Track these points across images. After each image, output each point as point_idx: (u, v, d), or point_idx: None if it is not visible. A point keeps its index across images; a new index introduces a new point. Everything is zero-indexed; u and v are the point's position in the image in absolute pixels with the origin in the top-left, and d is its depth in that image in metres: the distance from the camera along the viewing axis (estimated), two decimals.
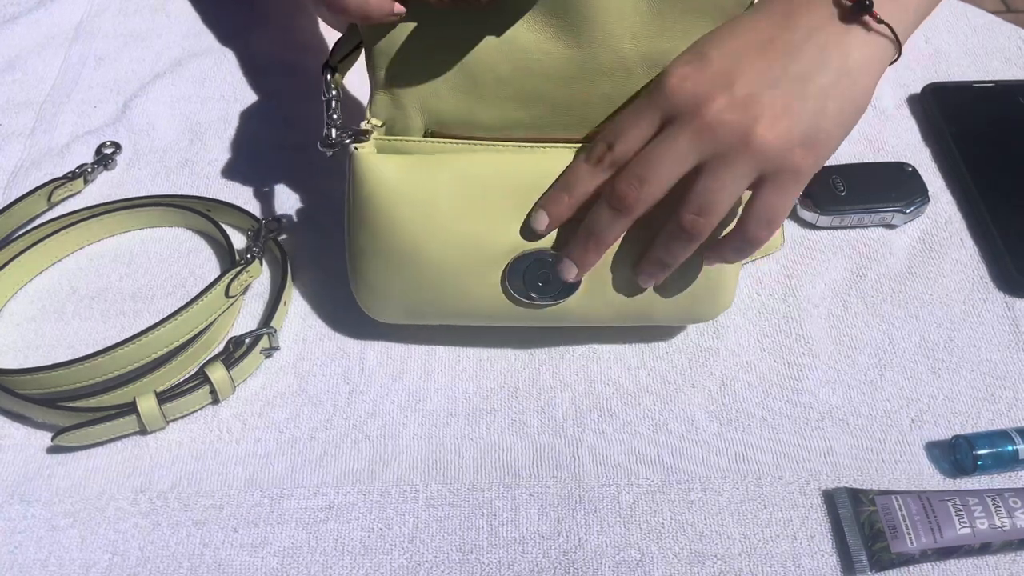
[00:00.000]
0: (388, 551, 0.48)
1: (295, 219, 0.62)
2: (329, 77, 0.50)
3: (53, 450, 0.52)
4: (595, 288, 0.51)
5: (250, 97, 0.71)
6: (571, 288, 0.50)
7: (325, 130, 0.50)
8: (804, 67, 0.43)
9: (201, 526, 0.49)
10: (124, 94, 0.72)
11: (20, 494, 0.50)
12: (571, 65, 0.47)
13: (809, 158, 0.44)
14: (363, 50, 0.49)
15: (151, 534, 0.49)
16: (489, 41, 0.47)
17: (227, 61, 0.74)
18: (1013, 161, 0.64)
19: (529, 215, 0.49)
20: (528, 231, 0.49)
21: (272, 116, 0.70)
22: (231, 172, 0.66)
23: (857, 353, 0.56)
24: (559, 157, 0.48)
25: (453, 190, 0.49)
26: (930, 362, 0.55)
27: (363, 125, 0.50)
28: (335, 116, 0.50)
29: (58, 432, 0.51)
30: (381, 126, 0.50)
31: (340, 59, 0.50)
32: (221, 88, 0.72)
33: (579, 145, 0.49)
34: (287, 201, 0.64)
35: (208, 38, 0.76)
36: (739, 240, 0.46)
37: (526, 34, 0.47)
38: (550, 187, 0.49)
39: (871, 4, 0.43)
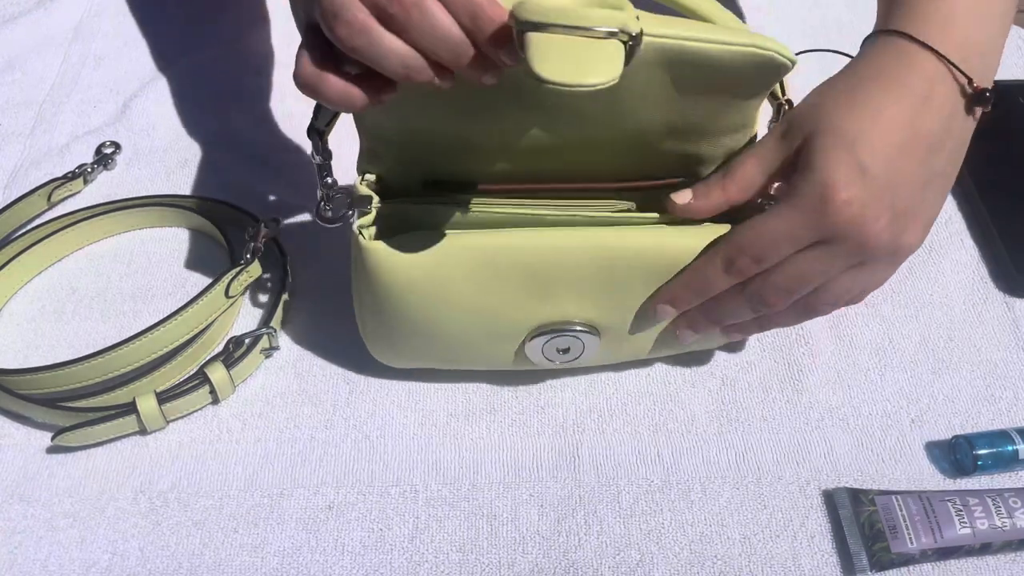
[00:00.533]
0: (388, 551, 0.48)
1: (295, 219, 0.62)
2: (318, 141, 0.45)
3: (53, 450, 0.52)
4: (614, 344, 0.50)
5: (250, 97, 0.71)
6: (591, 351, 0.50)
7: (320, 194, 0.47)
8: (944, 162, 0.44)
9: (201, 526, 0.49)
10: (124, 94, 0.72)
11: (20, 494, 0.50)
12: (586, 135, 0.45)
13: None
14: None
15: (151, 534, 0.49)
16: (495, 115, 0.43)
17: (227, 61, 0.74)
18: (1013, 161, 0.64)
19: (655, 307, 0.48)
20: (557, 310, 0.48)
21: (272, 116, 0.70)
22: (231, 172, 0.66)
23: (857, 353, 0.56)
24: (575, 236, 0.46)
25: (466, 276, 0.46)
26: (930, 362, 0.55)
27: (358, 185, 0.47)
28: (329, 180, 0.47)
29: (58, 432, 0.51)
30: (377, 180, 0.47)
31: (327, 122, 0.45)
32: (221, 88, 0.72)
33: (594, 206, 0.47)
34: (287, 201, 0.64)
35: (208, 38, 0.76)
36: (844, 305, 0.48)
37: (537, 112, 0.43)
38: (675, 281, 0.47)
39: (991, 98, 0.44)
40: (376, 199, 0.46)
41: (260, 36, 0.76)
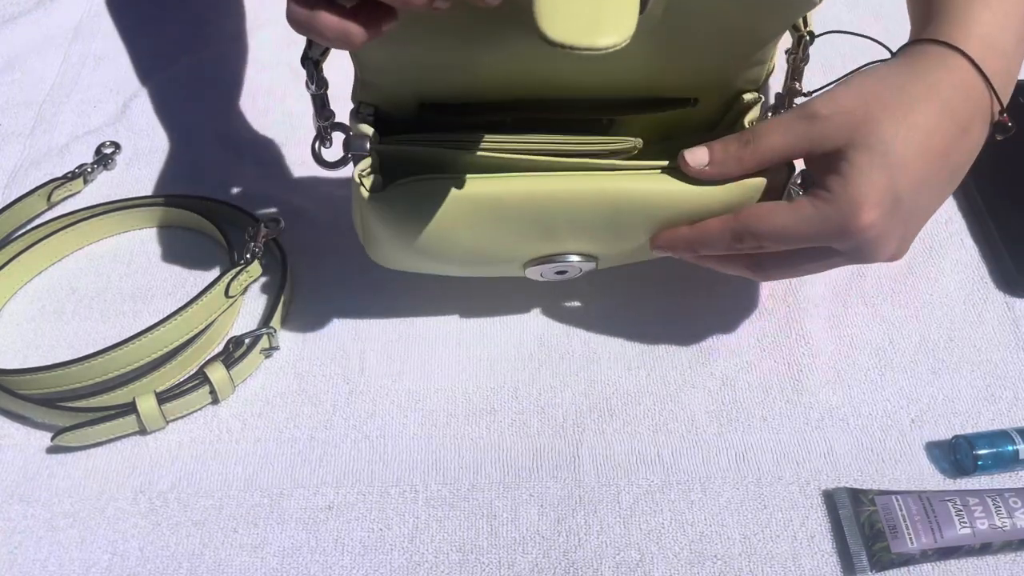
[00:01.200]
0: (388, 551, 0.48)
1: (295, 219, 0.62)
2: (313, 70, 0.44)
3: (53, 450, 0.52)
4: (606, 263, 0.52)
5: (250, 96, 0.71)
6: (588, 272, 0.52)
7: (316, 127, 0.46)
8: (956, 184, 0.45)
9: (201, 526, 0.49)
10: (124, 94, 0.72)
11: (20, 494, 0.50)
12: (593, 64, 0.43)
13: None
14: None
15: (151, 534, 0.49)
16: (499, 39, 0.42)
17: (227, 61, 0.74)
18: (1013, 161, 0.64)
19: (651, 247, 0.49)
20: (557, 246, 0.49)
21: (272, 115, 0.70)
22: (231, 172, 0.66)
23: (857, 353, 0.56)
24: (580, 183, 0.45)
25: (469, 222, 0.46)
26: (930, 362, 0.55)
27: (354, 119, 0.46)
28: (326, 112, 0.46)
29: (58, 432, 0.50)
30: (372, 110, 0.46)
31: (322, 51, 0.44)
32: (221, 88, 0.72)
33: (602, 143, 0.46)
34: (287, 201, 0.64)
35: (208, 38, 0.76)
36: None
37: (533, 47, 0.42)
38: (678, 235, 0.47)
39: (1011, 129, 0.44)
40: (373, 133, 0.45)
41: (261, 36, 0.76)
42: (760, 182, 0.46)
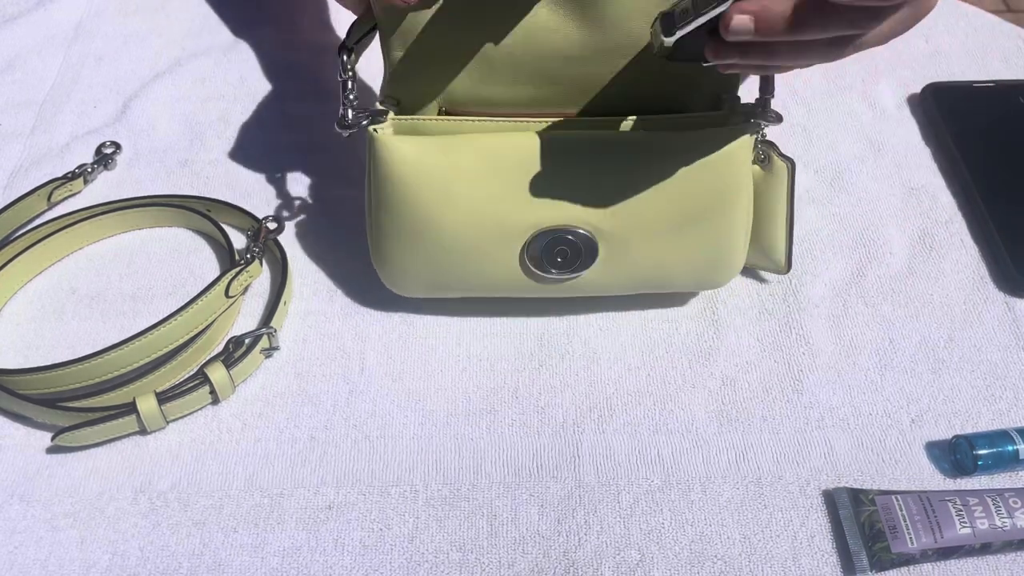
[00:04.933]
0: (388, 551, 0.48)
1: (295, 219, 0.62)
2: (346, 58, 0.50)
3: (53, 450, 0.52)
4: (614, 259, 0.52)
5: (250, 97, 0.71)
6: (589, 261, 0.52)
7: (341, 110, 0.50)
8: None
9: (201, 526, 0.49)
10: (124, 94, 0.72)
11: (20, 494, 0.50)
12: (586, 47, 0.48)
13: None
14: (377, 31, 0.50)
15: (151, 534, 0.49)
16: (505, 24, 0.48)
17: (227, 61, 0.74)
18: (1013, 161, 0.64)
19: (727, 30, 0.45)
20: (558, 214, 0.50)
21: (272, 116, 0.70)
22: (231, 172, 0.66)
23: (857, 353, 0.56)
24: (575, 132, 0.50)
25: (471, 171, 0.50)
26: (930, 362, 0.55)
27: (378, 105, 0.51)
28: (351, 97, 0.50)
29: (58, 432, 0.50)
30: (396, 104, 0.51)
31: (356, 41, 0.50)
32: (221, 88, 0.72)
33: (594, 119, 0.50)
34: (287, 201, 0.64)
35: (208, 38, 0.76)
36: None
37: (543, 17, 0.47)
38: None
39: None
40: (391, 113, 0.51)
41: (261, 36, 0.76)
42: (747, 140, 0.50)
